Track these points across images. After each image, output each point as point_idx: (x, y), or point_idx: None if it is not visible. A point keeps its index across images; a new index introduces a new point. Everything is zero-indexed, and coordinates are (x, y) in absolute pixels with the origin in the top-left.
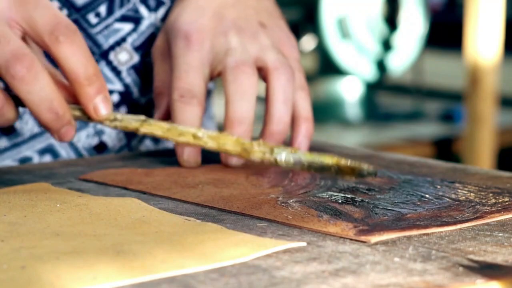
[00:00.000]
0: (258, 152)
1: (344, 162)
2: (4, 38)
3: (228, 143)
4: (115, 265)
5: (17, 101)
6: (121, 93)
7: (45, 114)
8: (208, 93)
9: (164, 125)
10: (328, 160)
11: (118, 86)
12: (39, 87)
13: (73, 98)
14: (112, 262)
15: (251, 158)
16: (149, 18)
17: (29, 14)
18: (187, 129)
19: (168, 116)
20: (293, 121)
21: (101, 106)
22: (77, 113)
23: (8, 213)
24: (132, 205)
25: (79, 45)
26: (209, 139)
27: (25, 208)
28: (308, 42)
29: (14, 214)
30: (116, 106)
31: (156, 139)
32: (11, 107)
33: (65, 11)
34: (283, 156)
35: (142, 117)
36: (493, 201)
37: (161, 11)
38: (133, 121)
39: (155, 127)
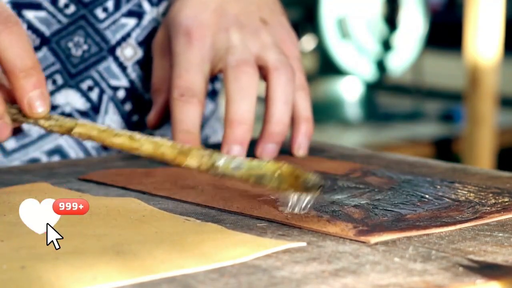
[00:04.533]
0: (196, 155)
1: (287, 168)
2: None
3: (164, 145)
4: (115, 265)
5: None
6: (127, 89)
7: None
8: (215, 94)
9: (100, 126)
10: (270, 166)
11: (124, 82)
12: None
13: (13, 99)
14: (112, 262)
15: (188, 163)
16: (151, 13)
17: None
18: (124, 132)
19: (164, 114)
20: (293, 121)
21: (37, 103)
22: (13, 110)
23: (8, 213)
24: (132, 205)
25: (17, 35)
26: (146, 142)
27: None
28: (308, 42)
29: (14, 214)
30: (122, 103)
31: None
32: None
33: (72, 7)
34: (222, 161)
35: (78, 120)
36: (493, 201)
37: (163, 6)
38: (68, 121)
39: (90, 127)
